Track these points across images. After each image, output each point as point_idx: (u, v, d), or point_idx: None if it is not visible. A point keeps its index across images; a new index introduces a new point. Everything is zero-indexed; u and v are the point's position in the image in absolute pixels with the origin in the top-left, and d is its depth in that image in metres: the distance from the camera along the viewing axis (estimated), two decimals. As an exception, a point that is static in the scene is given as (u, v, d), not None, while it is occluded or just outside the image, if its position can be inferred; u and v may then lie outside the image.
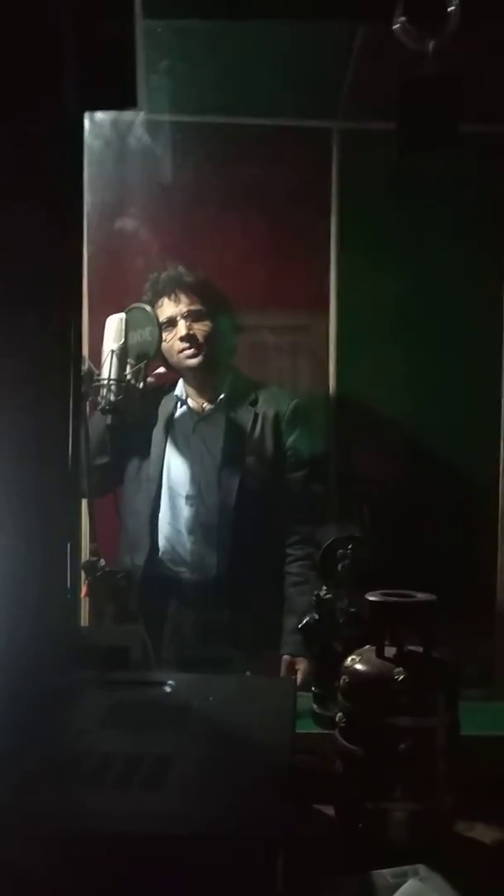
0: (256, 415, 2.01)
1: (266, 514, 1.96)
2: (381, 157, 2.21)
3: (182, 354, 1.97)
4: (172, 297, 1.98)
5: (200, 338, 1.97)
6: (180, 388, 2.06)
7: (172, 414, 2.03)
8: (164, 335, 1.94)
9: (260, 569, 1.94)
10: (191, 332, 1.96)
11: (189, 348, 1.97)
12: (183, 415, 2.04)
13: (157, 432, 2.01)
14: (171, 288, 1.98)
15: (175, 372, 2.04)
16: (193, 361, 1.98)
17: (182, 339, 1.96)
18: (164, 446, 2.01)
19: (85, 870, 0.70)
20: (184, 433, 2.03)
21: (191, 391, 2.05)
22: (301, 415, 2.05)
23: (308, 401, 2.27)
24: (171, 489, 2.01)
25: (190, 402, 2.04)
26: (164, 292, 1.98)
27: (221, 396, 2.03)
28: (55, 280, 1.18)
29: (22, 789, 0.78)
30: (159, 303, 1.98)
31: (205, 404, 2.04)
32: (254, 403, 2.04)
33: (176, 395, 2.04)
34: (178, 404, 2.04)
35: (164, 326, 1.94)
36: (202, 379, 2.04)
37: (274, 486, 2.00)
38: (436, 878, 0.88)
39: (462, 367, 2.34)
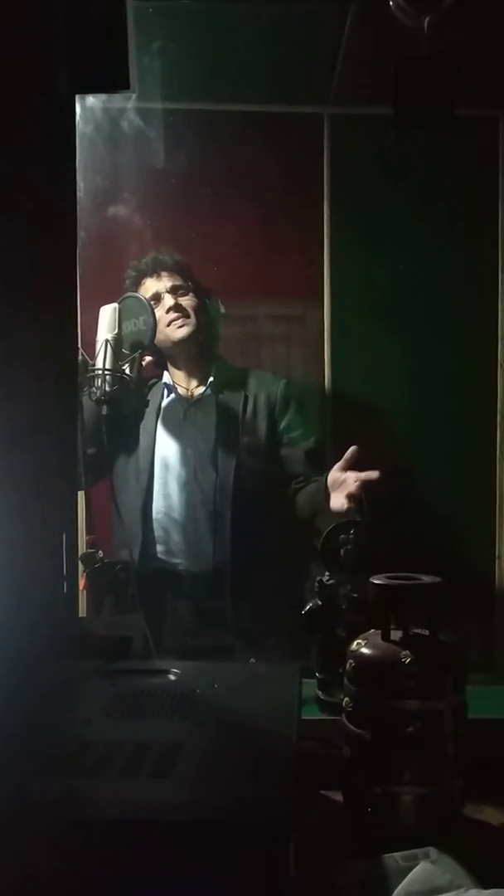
0: (247, 397, 2.02)
1: (263, 495, 1.96)
2: (372, 142, 2.22)
3: (171, 326, 1.98)
4: (155, 276, 2.00)
5: (188, 308, 1.99)
6: (167, 377, 2.05)
7: (160, 403, 2.02)
8: None
9: (260, 552, 1.93)
10: (177, 302, 1.98)
11: (178, 317, 1.98)
12: (172, 402, 2.03)
13: (147, 422, 2.00)
14: (153, 268, 2.01)
15: (158, 368, 2.04)
16: (183, 331, 1.98)
17: (169, 309, 1.97)
18: (155, 436, 2.00)
19: (95, 858, 0.69)
20: (175, 420, 2.02)
21: (178, 377, 2.05)
22: (292, 396, 2.06)
23: (303, 389, 2.26)
24: (165, 477, 1.99)
25: (178, 388, 2.03)
26: (147, 272, 2.01)
27: (211, 380, 2.02)
28: (48, 266, 1.16)
29: (30, 779, 0.77)
30: (143, 283, 2.00)
31: (194, 390, 2.03)
32: (243, 386, 2.04)
33: (164, 384, 2.04)
34: (166, 392, 2.03)
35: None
36: (189, 363, 2.03)
37: (269, 467, 1.99)
38: (447, 860, 0.87)
39: (457, 352, 2.34)
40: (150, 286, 2.00)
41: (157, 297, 1.99)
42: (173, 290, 2.00)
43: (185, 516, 1.98)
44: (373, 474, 1.79)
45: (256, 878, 0.70)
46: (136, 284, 2.01)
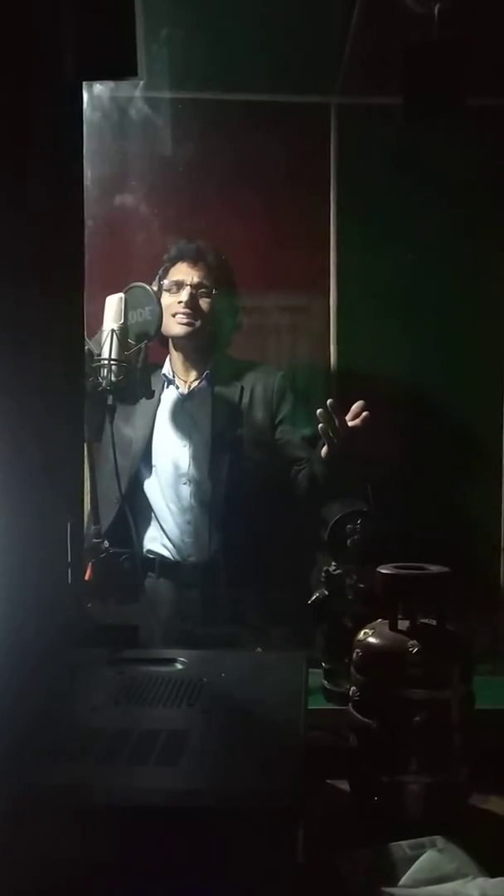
0: (243, 389, 2.01)
1: (260, 486, 1.96)
2: (379, 132, 2.21)
3: (175, 318, 1.96)
4: (191, 263, 1.98)
5: (203, 308, 1.97)
6: (167, 367, 2.04)
7: (160, 394, 2.02)
8: (167, 297, 1.95)
9: (261, 542, 1.93)
10: (193, 299, 1.96)
11: (185, 315, 1.95)
12: (169, 394, 2.03)
13: (146, 409, 1.98)
14: (195, 256, 1.98)
15: (164, 346, 2.03)
16: (182, 329, 1.96)
17: (181, 302, 1.95)
18: (153, 424, 2.00)
19: (105, 845, 0.69)
20: (171, 412, 2.01)
21: (178, 367, 2.04)
22: (290, 388, 2.05)
23: (308, 380, 2.26)
24: (160, 468, 1.99)
25: (177, 380, 2.03)
26: (187, 257, 1.98)
27: (207, 373, 2.02)
28: (56, 253, 1.16)
29: (39, 766, 0.77)
30: (178, 266, 1.98)
31: (191, 381, 2.03)
32: (239, 378, 2.03)
33: (163, 375, 2.03)
34: (165, 384, 2.03)
35: (170, 288, 1.96)
36: (189, 355, 2.03)
37: (267, 458, 1.99)
38: (454, 849, 0.88)
39: (464, 342, 2.33)
40: (182, 271, 1.97)
41: (179, 284, 1.97)
42: (197, 287, 1.96)
43: (181, 508, 1.98)
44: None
45: (264, 865, 0.70)
46: (174, 262, 1.98)
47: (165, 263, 1.99)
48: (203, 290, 1.97)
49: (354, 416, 1.79)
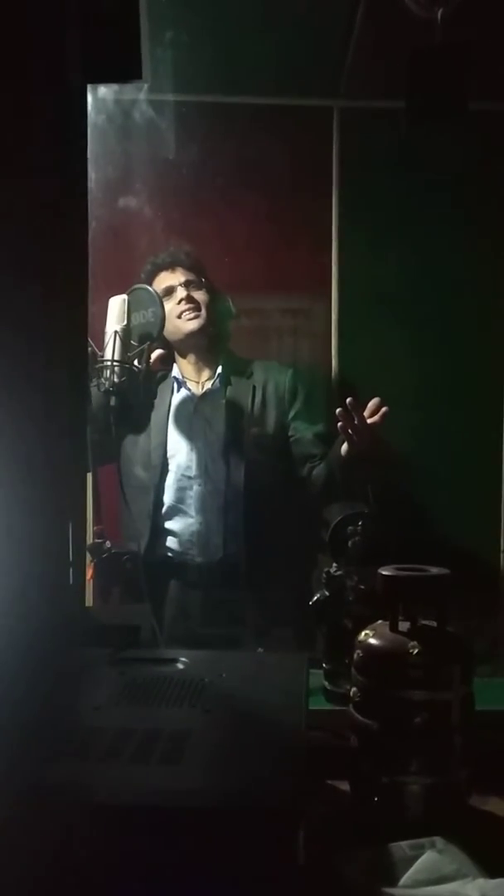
0: (255, 387, 2.03)
1: (273, 485, 1.97)
2: (382, 135, 2.22)
3: (182, 318, 1.99)
4: (170, 270, 2.02)
5: (200, 301, 2.01)
6: (177, 371, 2.05)
7: (171, 398, 2.02)
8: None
9: (270, 543, 1.94)
10: (190, 294, 2.00)
11: (190, 309, 1.99)
12: (182, 396, 2.03)
13: (158, 418, 2.00)
14: (169, 263, 2.03)
15: (166, 363, 2.04)
16: (194, 324, 2.00)
17: (181, 300, 1.99)
18: (166, 431, 2.01)
19: (107, 843, 0.70)
20: (185, 415, 2.03)
21: (188, 371, 2.05)
22: (300, 385, 2.07)
23: (309, 382, 2.26)
24: (176, 472, 2.00)
25: (188, 382, 2.04)
26: (163, 267, 2.03)
27: (219, 372, 2.03)
28: (60, 256, 1.17)
29: (42, 765, 0.77)
30: (158, 276, 2.02)
31: (204, 382, 2.04)
32: (250, 377, 2.05)
33: (174, 377, 2.04)
34: (176, 387, 2.04)
35: (162, 298, 1.96)
36: (199, 356, 2.04)
37: (279, 458, 2.00)
38: (453, 849, 0.88)
39: (464, 345, 2.34)
40: (165, 279, 2.02)
41: (170, 291, 2.00)
42: (187, 285, 2.01)
43: (197, 509, 1.99)
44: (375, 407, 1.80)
45: (265, 864, 0.70)
46: (152, 277, 2.02)
47: (147, 281, 2.01)
48: (193, 285, 2.01)
49: (372, 412, 1.79)
